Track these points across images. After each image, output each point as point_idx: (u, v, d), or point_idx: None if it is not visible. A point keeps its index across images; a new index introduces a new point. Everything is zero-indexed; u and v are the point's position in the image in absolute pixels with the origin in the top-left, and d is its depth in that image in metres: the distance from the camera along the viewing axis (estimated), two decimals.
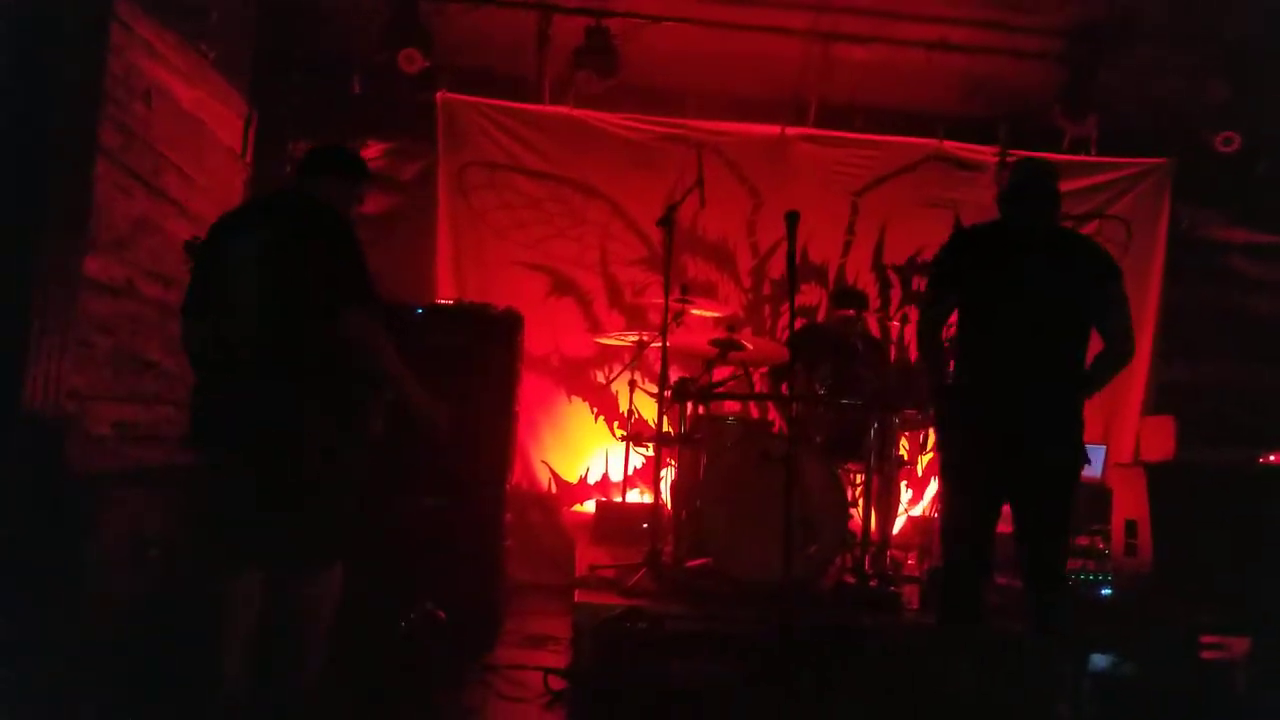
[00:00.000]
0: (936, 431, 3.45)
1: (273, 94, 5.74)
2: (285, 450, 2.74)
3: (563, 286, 6.17)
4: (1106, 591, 4.66)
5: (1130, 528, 4.63)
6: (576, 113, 6.10)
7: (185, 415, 4.55)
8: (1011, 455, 3.13)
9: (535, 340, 5.61)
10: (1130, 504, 4.68)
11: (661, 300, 4.52)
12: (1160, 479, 4.57)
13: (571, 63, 5.74)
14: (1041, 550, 3.18)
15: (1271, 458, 4.74)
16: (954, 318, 3.37)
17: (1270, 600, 4.06)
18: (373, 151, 6.09)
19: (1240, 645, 3.87)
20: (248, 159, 5.50)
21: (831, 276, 6.30)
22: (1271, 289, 6.52)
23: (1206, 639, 3.89)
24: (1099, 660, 3.82)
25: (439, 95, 6.01)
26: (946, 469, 3.42)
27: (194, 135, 4.79)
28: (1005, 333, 3.19)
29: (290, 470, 2.75)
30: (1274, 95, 5.76)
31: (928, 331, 3.40)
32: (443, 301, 5.25)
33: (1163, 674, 3.84)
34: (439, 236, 6.04)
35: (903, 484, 5.06)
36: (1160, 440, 4.90)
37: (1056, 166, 3.55)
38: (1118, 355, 3.25)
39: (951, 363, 3.34)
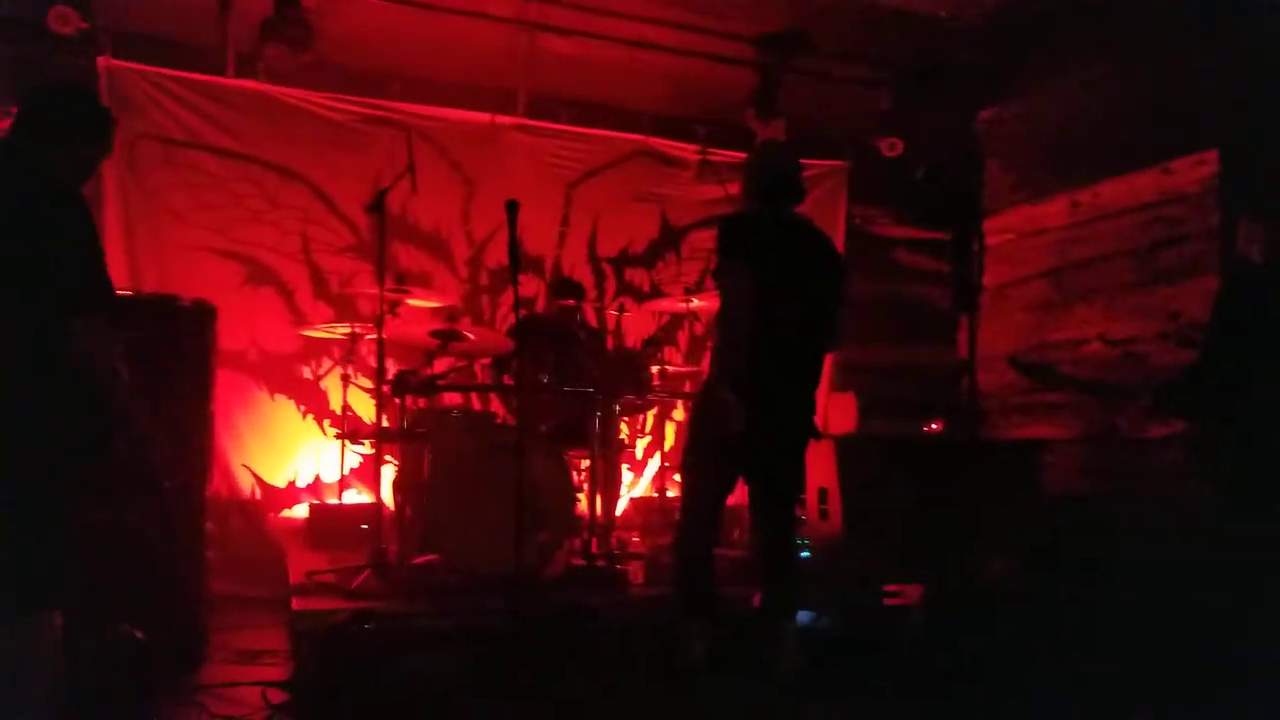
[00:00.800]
0: (695, 412, 3.55)
1: None
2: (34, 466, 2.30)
3: (260, 275, 5.69)
4: (805, 554, 5.09)
5: (823, 494, 5.08)
6: (268, 88, 5.63)
7: None
8: (764, 437, 3.34)
9: (230, 334, 5.08)
10: (822, 473, 5.12)
11: (372, 290, 4.30)
12: (846, 450, 5.04)
13: (259, 35, 5.28)
14: (782, 520, 3.49)
15: (933, 426, 5.40)
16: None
17: (938, 549, 4.63)
18: None
19: (914, 591, 4.37)
20: None
21: (548, 268, 6.33)
22: (930, 279, 7.43)
23: (888, 588, 4.36)
24: (803, 616, 4.16)
25: (101, 60, 5.27)
26: (698, 452, 3.50)
27: None
28: (781, 323, 3.38)
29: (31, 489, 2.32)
30: (929, 107, 6.56)
31: (748, 309, 3.33)
32: (121, 292, 4.66)
33: (853, 622, 4.26)
34: (105, 218, 5.24)
35: (624, 467, 5.21)
36: (844, 414, 5.42)
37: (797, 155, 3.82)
38: (835, 344, 3.66)
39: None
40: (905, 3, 5.63)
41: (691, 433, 3.56)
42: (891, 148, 6.45)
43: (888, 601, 4.34)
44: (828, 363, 6.69)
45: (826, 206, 6.94)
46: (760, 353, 3.34)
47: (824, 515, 5.05)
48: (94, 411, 2.43)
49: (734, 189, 4.06)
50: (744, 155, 6.19)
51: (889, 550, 4.62)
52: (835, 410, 5.69)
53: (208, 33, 5.49)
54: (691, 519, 3.47)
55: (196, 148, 5.55)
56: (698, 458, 3.49)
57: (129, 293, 4.50)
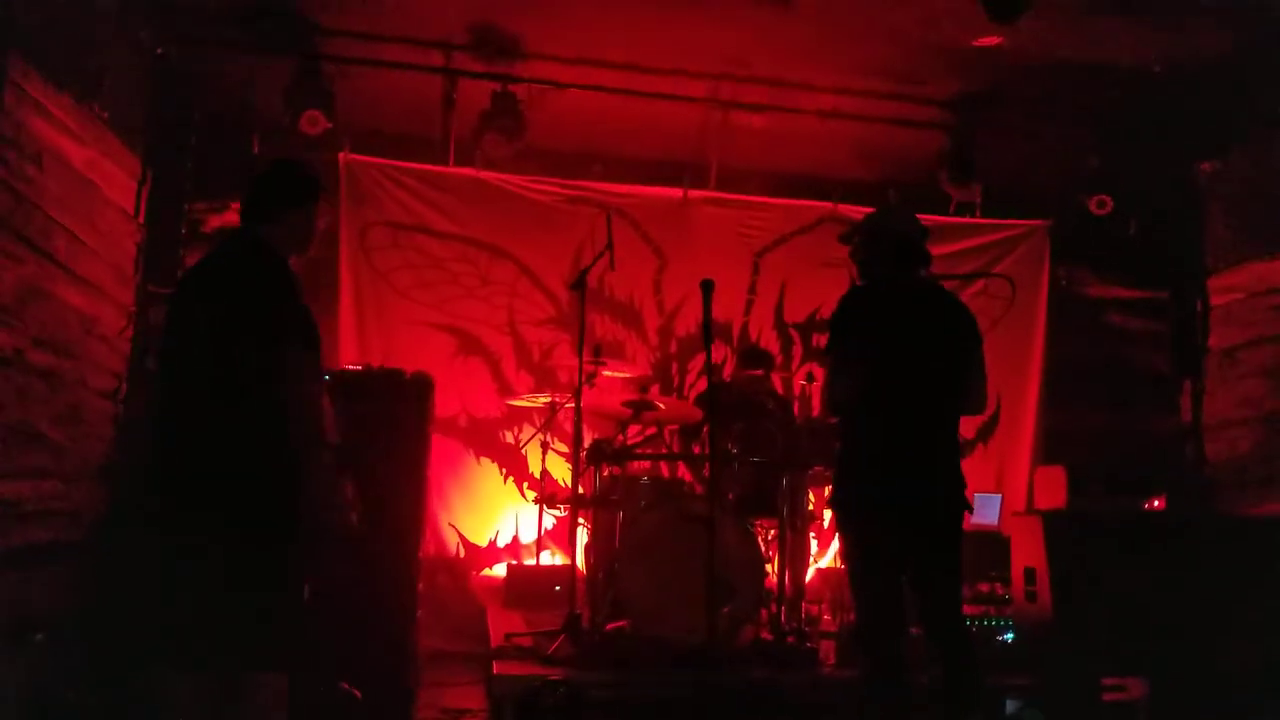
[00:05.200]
0: (835, 486, 3.48)
1: (170, 155, 5.60)
2: (261, 532, 2.53)
3: (470, 346, 6.12)
4: (1009, 636, 4.82)
5: (1029, 575, 4.79)
6: (482, 174, 6.12)
7: (81, 489, 4.35)
8: (908, 518, 3.21)
9: (442, 401, 5.50)
10: (1028, 551, 4.84)
11: (571, 361, 4.51)
12: (1055, 526, 4.75)
13: (477, 125, 5.75)
14: (941, 603, 3.26)
15: (1155, 503, 5.00)
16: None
17: (1163, 642, 4.26)
18: None
19: (1138, 687, 4.04)
20: (140, 219, 5.32)
21: (735, 334, 6.43)
22: (1143, 341, 6.96)
23: (1107, 681, 4.05)
24: (1008, 706, 3.94)
25: (341, 156, 5.93)
26: (847, 548, 3.44)
27: (85, 196, 4.62)
28: (902, 396, 3.26)
29: (259, 553, 2.54)
30: (1139, 162, 6.21)
31: (841, 390, 3.33)
32: (350, 367, 5.14)
33: (1068, 717, 3.98)
34: (342, 298, 5.91)
35: (810, 536, 5.14)
36: (1053, 488, 5.10)
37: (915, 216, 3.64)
38: (971, 409, 3.45)
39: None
40: (1109, 56, 5.38)
41: (838, 526, 3.48)
42: (1101, 205, 6.13)
43: (1107, 696, 4.04)
44: (1028, 432, 6.52)
45: (1028, 267, 6.69)
46: (882, 433, 3.25)
47: (1031, 597, 4.76)
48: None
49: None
50: (937, 218, 6.14)
51: (1105, 639, 4.29)
52: (1043, 484, 5.37)
53: (432, 126, 6.02)
54: (864, 616, 3.32)
55: (420, 231, 6.08)
56: (849, 552, 3.41)
57: (359, 367, 4.95)
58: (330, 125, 5.51)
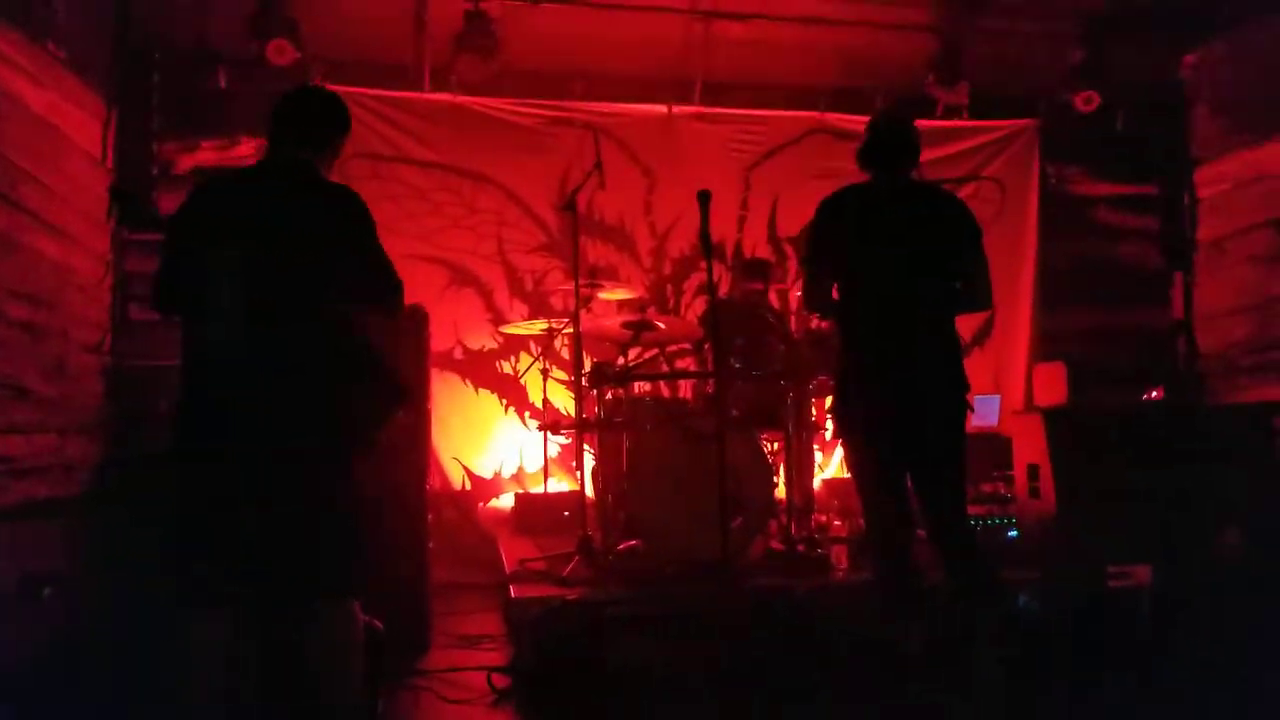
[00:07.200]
0: (836, 395, 3.47)
1: (134, 94, 5.41)
2: (312, 457, 2.49)
3: (461, 278, 6.02)
4: (1013, 534, 4.89)
5: (1032, 471, 4.83)
6: (461, 99, 5.95)
7: (74, 443, 4.27)
8: (907, 412, 3.20)
9: (438, 335, 5.44)
10: (1030, 449, 4.87)
11: (564, 286, 4.44)
12: (1056, 423, 4.77)
13: (452, 48, 5.57)
14: (946, 504, 3.25)
15: (1153, 394, 5.05)
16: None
17: (1164, 529, 4.33)
18: (246, 148, 5.79)
19: (1142, 573, 4.11)
20: (108, 164, 5.16)
21: (730, 252, 6.36)
22: (1137, 236, 6.96)
23: (1112, 569, 4.12)
24: (1020, 600, 3.99)
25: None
26: (851, 450, 3.44)
27: (49, 141, 4.45)
28: (890, 291, 3.23)
29: (312, 482, 2.50)
30: (1124, 55, 6.12)
31: (818, 295, 3.37)
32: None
33: (1074, 606, 4.05)
34: None
35: (814, 446, 5.16)
36: (1053, 386, 5.14)
37: (912, 119, 3.57)
38: (977, 306, 3.41)
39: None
40: None
41: (840, 434, 3.46)
42: (1087, 102, 6.05)
43: (1113, 584, 4.10)
44: (1024, 333, 6.54)
45: (1017, 168, 6.63)
46: (879, 334, 3.23)
47: (1034, 494, 4.81)
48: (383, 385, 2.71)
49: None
50: (925, 122, 6.04)
51: (1109, 529, 4.35)
52: (1043, 381, 5.40)
53: (404, 52, 5.83)
54: (873, 517, 3.33)
55: (400, 161, 5.92)
56: (854, 455, 3.40)
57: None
58: (299, 55, 5.33)
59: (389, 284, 2.68)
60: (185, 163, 5.74)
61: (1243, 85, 6.19)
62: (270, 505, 2.44)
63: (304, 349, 2.52)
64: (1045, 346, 6.48)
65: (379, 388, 2.70)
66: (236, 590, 2.47)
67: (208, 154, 5.78)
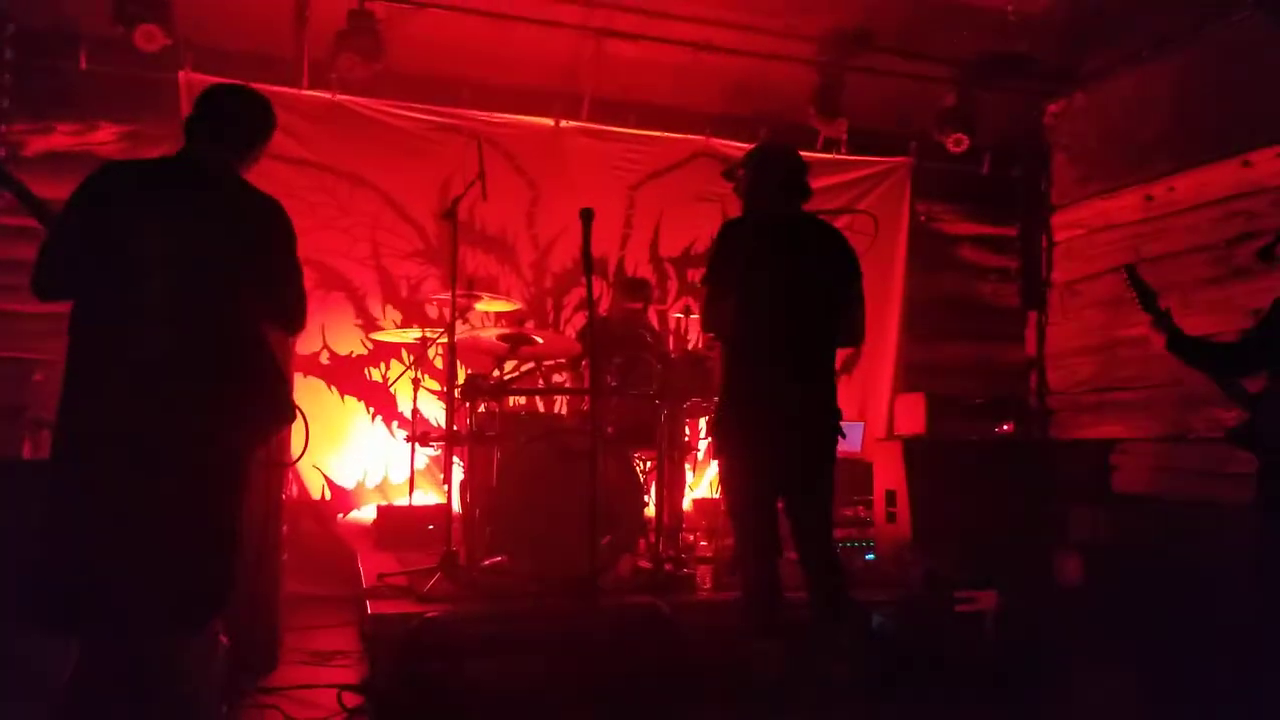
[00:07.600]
0: (717, 413, 3.52)
1: None
2: (197, 470, 2.36)
3: (330, 280, 5.82)
4: (870, 556, 5.05)
5: (890, 497, 5.02)
6: (341, 98, 5.77)
7: None
8: (785, 436, 3.30)
9: (303, 338, 5.24)
10: (889, 475, 5.06)
11: (441, 295, 4.34)
12: (914, 451, 4.97)
13: (333, 45, 5.38)
14: (813, 527, 3.36)
15: (1005, 427, 5.31)
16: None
17: (1011, 555, 4.56)
18: (106, 134, 5.49)
19: (988, 598, 4.31)
20: None
21: (611, 269, 6.37)
22: (994, 275, 7.33)
23: (959, 594, 4.30)
24: (873, 620, 4.12)
25: (182, 75, 5.41)
26: (726, 471, 3.48)
27: None
28: (780, 318, 3.33)
29: (197, 497, 2.36)
30: (993, 101, 6.45)
31: (716, 315, 3.39)
32: None
33: (923, 628, 4.21)
34: None
35: (686, 467, 5.20)
36: (912, 415, 5.34)
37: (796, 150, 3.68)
38: (853, 341, 3.58)
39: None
40: None
41: (718, 453, 3.52)
42: (957, 144, 6.35)
43: (959, 608, 4.28)
44: (889, 363, 6.78)
45: (890, 203, 6.87)
46: (765, 360, 3.32)
47: (891, 518, 4.99)
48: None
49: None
50: (804, 154, 6.19)
51: (959, 554, 4.55)
52: (903, 411, 5.61)
53: (283, 46, 5.62)
54: (744, 536, 3.38)
55: (270, 158, 5.62)
56: (729, 474, 3.46)
57: None
58: (169, 41, 5.06)
59: (297, 301, 2.65)
60: (35, 145, 5.39)
61: (1099, 137, 6.62)
62: (141, 524, 2.30)
63: (203, 354, 2.42)
64: (909, 377, 6.73)
65: (272, 403, 2.62)
66: (91, 622, 2.31)
67: (63, 138, 5.44)
